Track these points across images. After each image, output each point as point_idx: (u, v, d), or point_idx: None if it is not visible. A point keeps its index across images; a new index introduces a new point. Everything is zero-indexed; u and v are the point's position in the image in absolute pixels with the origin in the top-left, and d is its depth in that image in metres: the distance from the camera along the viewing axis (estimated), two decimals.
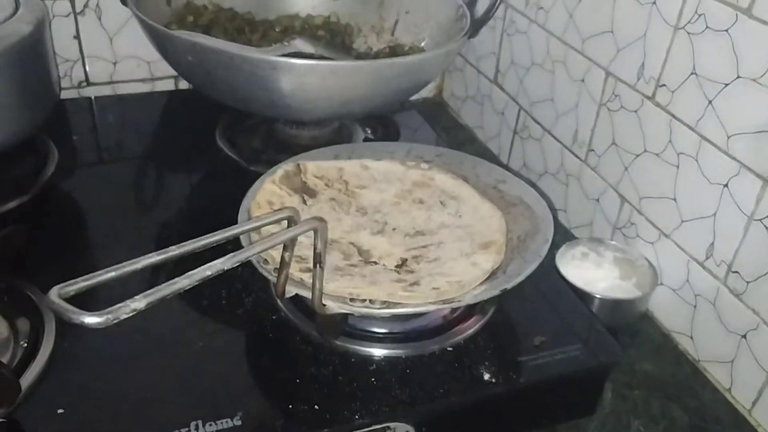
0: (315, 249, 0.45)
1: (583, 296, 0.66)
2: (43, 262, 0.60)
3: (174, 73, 0.94)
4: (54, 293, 0.32)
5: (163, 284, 0.35)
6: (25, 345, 0.53)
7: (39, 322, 0.55)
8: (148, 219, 0.73)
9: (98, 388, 0.51)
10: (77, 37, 0.88)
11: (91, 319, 0.31)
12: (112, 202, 0.72)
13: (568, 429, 0.59)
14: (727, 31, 0.59)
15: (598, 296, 0.68)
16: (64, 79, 0.90)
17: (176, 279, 0.35)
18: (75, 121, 0.86)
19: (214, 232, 0.41)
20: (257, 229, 0.46)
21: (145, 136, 0.86)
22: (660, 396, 0.63)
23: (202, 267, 0.37)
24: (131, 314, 0.33)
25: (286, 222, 0.47)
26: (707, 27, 0.61)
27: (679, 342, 0.70)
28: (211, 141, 0.82)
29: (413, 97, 1.03)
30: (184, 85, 0.96)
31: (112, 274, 0.35)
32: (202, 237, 0.40)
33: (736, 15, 0.58)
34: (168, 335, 0.56)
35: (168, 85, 0.96)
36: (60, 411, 0.48)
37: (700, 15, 0.62)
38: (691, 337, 0.68)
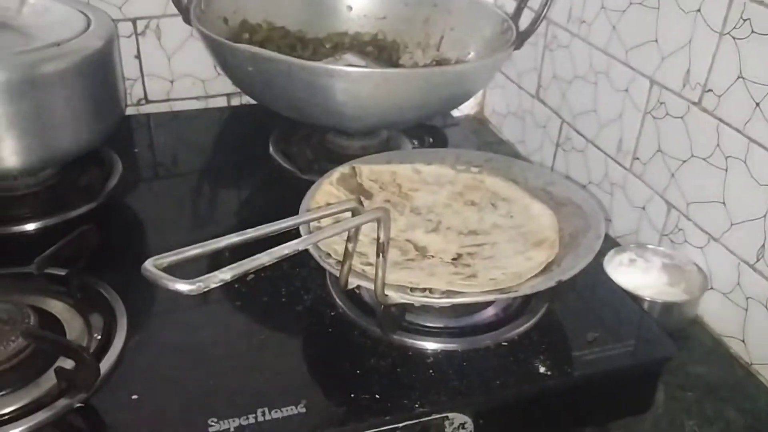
0: (378, 239, 0.47)
1: (632, 299, 0.67)
2: (112, 263, 0.63)
3: (226, 90, 0.98)
4: (150, 263, 0.35)
5: (246, 259, 0.37)
6: (99, 338, 0.56)
7: (111, 318, 0.57)
8: (206, 226, 0.76)
9: (169, 377, 0.54)
10: (138, 56, 0.93)
11: (183, 286, 0.34)
12: (173, 209, 0.76)
13: (621, 428, 0.59)
14: None
15: (647, 299, 0.68)
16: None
17: (257, 255, 0.38)
18: (136, 136, 0.90)
19: (287, 218, 0.43)
20: (325, 217, 0.49)
21: (201, 150, 0.90)
22: (713, 398, 0.63)
23: (280, 246, 0.39)
24: (219, 284, 0.35)
25: (350, 214, 0.49)
26: (753, 31, 0.63)
27: (730, 346, 0.70)
28: (264, 153, 0.85)
29: (456, 114, 1.05)
30: (236, 102, 1.00)
31: (198, 250, 0.37)
32: (276, 222, 0.43)
33: None
34: (232, 329, 0.59)
35: (221, 103, 1.00)
36: (134, 397, 0.51)
37: (745, 20, 0.63)
38: (743, 341, 0.68)
